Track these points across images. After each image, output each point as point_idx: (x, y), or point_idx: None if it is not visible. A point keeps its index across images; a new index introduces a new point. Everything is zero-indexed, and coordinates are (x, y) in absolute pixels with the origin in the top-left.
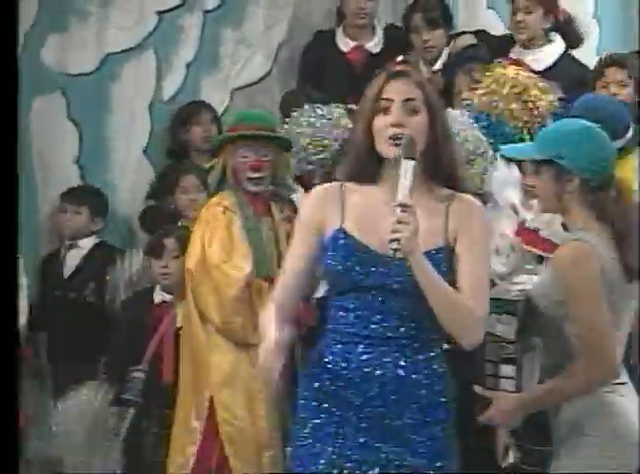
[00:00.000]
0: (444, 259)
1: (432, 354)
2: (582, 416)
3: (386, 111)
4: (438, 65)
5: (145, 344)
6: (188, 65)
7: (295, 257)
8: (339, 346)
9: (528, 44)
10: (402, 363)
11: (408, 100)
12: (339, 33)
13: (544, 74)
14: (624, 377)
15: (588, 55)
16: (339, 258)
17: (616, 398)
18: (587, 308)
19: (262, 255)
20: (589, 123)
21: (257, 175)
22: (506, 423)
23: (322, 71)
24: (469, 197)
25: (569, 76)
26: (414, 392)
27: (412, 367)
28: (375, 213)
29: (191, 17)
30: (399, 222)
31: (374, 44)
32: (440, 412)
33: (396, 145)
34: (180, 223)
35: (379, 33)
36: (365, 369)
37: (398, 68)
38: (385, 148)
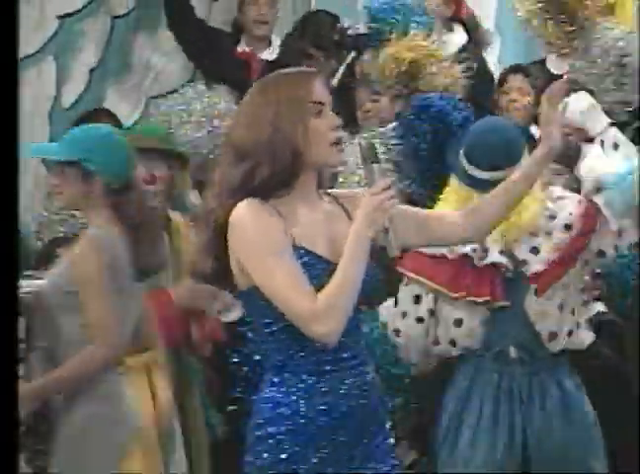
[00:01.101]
0: None
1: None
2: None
3: (321, 114)
4: (335, 81)
5: None
6: (91, 71)
7: (292, 257)
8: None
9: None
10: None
11: (330, 101)
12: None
13: None
14: None
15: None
16: (310, 278)
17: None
18: (90, 295)
19: None
20: (110, 129)
21: (149, 189)
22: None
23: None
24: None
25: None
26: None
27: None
28: (319, 224)
29: (95, 22)
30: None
31: (269, 53)
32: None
33: (342, 151)
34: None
35: (276, 43)
36: (326, 402)
37: (312, 69)
38: (330, 154)
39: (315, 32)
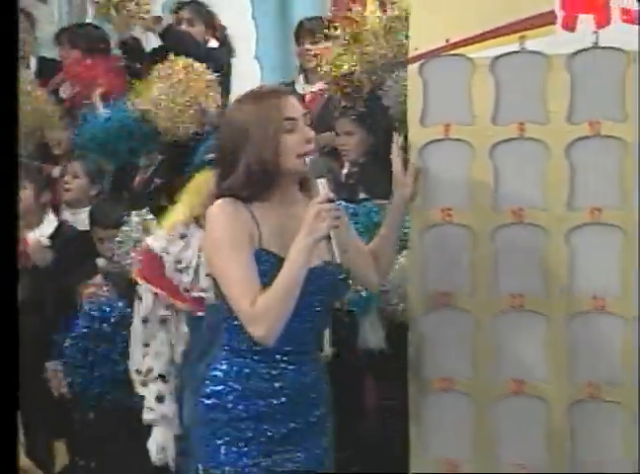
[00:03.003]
0: None
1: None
2: None
3: (293, 129)
4: None
5: None
6: None
7: (248, 259)
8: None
9: None
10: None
11: (305, 114)
12: None
13: None
14: None
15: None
16: (267, 280)
17: None
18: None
19: None
20: None
21: None
22: None
23: None
24: None
25: None
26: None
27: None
28: (290, 229)
29: None
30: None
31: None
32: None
33: (309, 163)
34: None
35: (33, 64)
36: (275, 383)
37: (285, 87)
38: (297, 165)
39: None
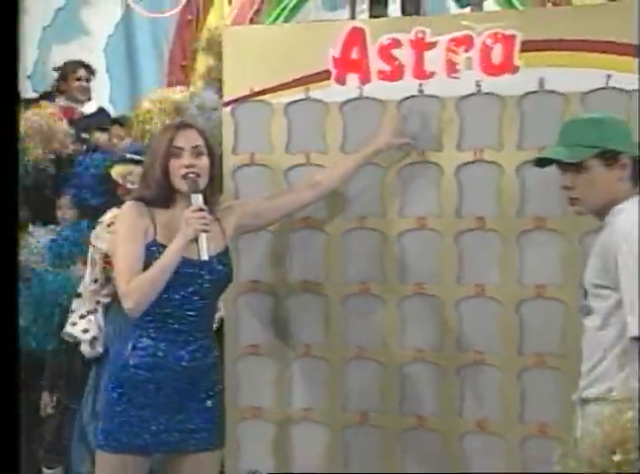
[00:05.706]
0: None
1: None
2: None
3: (178, 155)
4: None
5: None
6: None
7: (136, 248)
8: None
9: None
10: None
11: (195, 146)
12: None
13: None
14: None
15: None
16: None
17: None
18: None
19: None
20: None
21: None
22: None
23: None
24: (226, 203)
25: None
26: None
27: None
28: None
29: None
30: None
31: None
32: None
33: (187, 182)
34: None
35: None
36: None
37: (185, 122)
38: (180, 184)
39: None
